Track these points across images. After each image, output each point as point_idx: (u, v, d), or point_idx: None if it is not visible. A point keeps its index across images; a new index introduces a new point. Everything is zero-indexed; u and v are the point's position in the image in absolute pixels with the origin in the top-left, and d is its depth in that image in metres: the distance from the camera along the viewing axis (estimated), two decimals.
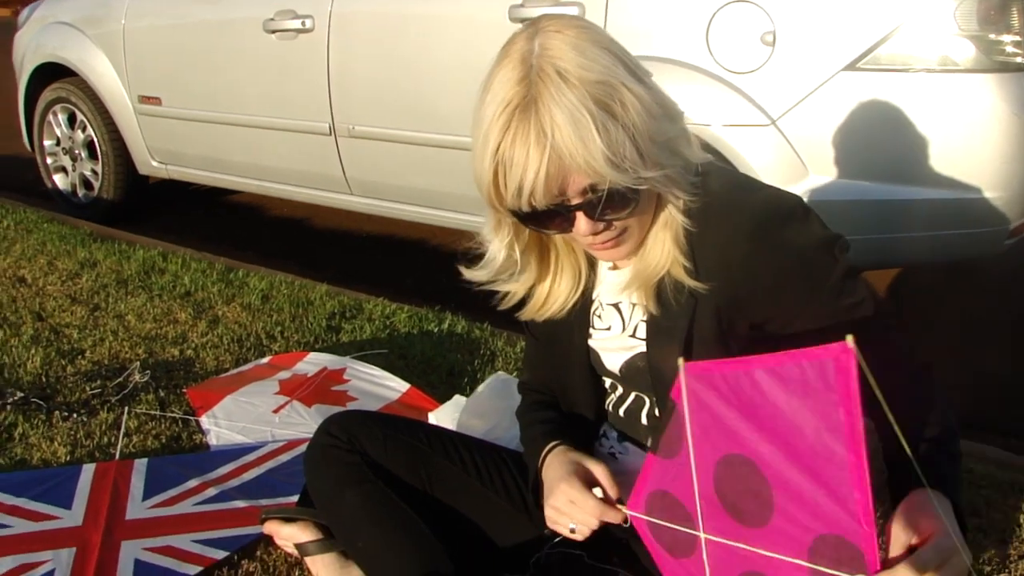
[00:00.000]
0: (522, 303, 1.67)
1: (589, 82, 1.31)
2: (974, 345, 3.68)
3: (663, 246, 1.47)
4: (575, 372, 1.71)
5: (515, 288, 1.65)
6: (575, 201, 1.37)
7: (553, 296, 1.65)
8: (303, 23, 4.03)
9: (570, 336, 1.68)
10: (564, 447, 1.65)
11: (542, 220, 1.42)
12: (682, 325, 1.49)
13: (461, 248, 1.65)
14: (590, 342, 1.67)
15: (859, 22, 2.83)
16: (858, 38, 2.83)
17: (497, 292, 1.66)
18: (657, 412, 1.60)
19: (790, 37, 2.91)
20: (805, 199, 2.92)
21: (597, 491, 1.54)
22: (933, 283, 4.29)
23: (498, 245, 1.57)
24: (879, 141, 2.90)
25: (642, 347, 1.56)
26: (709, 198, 1.45)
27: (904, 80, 2.81)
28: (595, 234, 1.42)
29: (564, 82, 1.31)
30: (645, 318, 1.55)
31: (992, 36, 2.76)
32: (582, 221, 1.40)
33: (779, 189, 1.50)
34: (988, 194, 2.85)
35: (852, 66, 2.84)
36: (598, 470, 1.56)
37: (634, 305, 1.58)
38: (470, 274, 1.63)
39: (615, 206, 1.38)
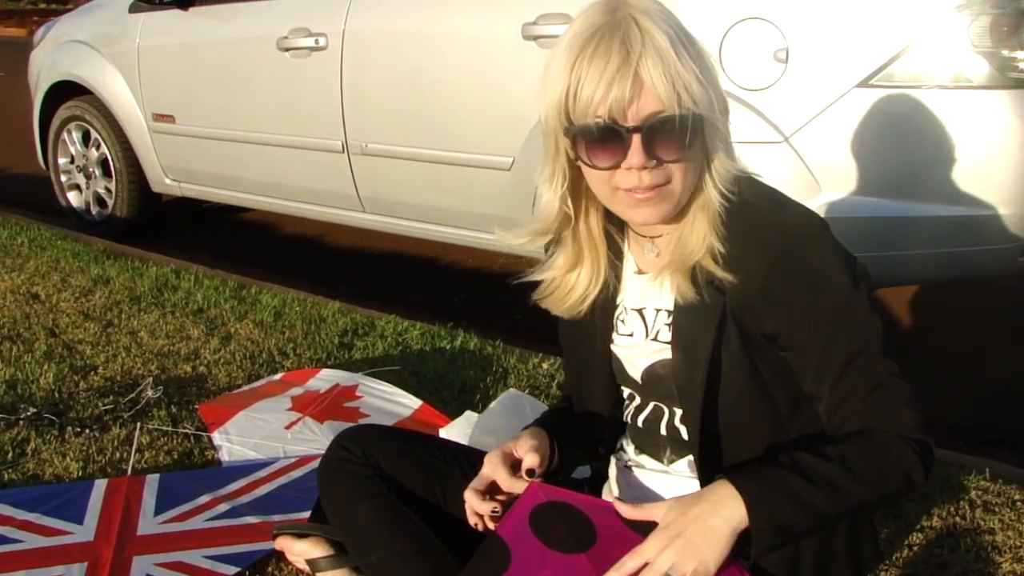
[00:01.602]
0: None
1: (675, 24, 1.40)
2: (988, 357, 3.66)
3: (701, 229, 1.47)
4: (596, 378, 1.71)
5: (549, 275, 1.65)
6: (642, 123, 1.38)
7: (576, 287, 1.64)
8: (316, 41, 4.04)
9: (592, 341, 1.68)
10: (529, 430, 1.67)
11: (597, 142, 1.42)
12: (708, 334, 1.49)
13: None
14: (612, 347, 1.67)
15: (872, 39, 2.83)
16: (871, 55, 2.83)
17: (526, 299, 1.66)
18: (678, 421, 1.60)
19: (803, 54, 2.91)
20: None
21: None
22: (946, 296, 4.28)
23: (551, 196, 1.56)
24: (892, 158, 2.89)
25: (665, 353, 1.56)
26: (740, 203, 1.46)
27: (917, 97, 2.81)
28: (643, 169, 1.41)
29: (654, 16, 1.39)
30: (669, 322, 1.55)
31: (1006, 53, 2.76)
32: (636, 151, 1.39)
33: (808, 209, 1.50)
34: (1002, 211, 2.84)
35: (865, 83, 2.83)
36: (523, 444, 1.61)
37: (658, 311, 1.58)
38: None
39: (672, 139, 1.39)
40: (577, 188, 1.56)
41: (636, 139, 1.39)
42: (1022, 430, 3.11)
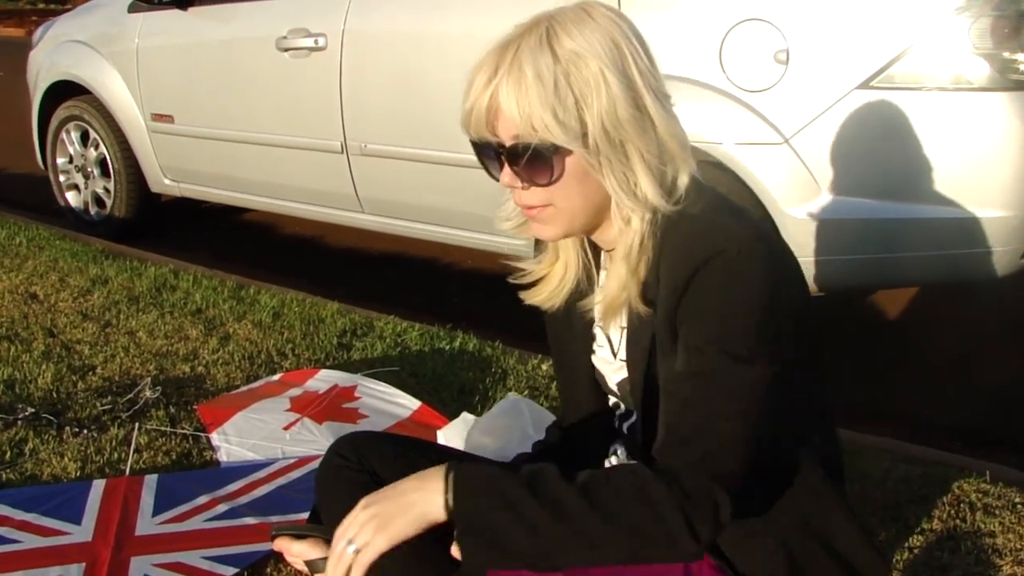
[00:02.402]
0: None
1: (565, 50, 1.35)
2: (987, 359, 3.66)
3: (621, 280, 1.44)
4: (583, 387, 1.71)
5: (531, 265, 1.65)
6: (506, 143, 1.39)
7: (551, 279, 1.63)
8: (316, 41, 4.04)
9: (576, 352, 1.68)
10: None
11: (480, 154, 1.46)
12: (645, 349, 1.47)
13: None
14: (592, 358, 1.66)
15: (873, 40, 2.83)
16: (872, 56, 2.83)
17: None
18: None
19: (804, 55, 2.91)
20: (818, 218, 2.92)
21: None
22: (945, 297, 4.27)
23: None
24: (892, 160, 2.89)
25: (625, 371, 1.55)
26: (679, 217, 1.41)
27: (918, 99, 2.81)
28: (515, 188, 1.43)
29: (544, 40, 1.36)
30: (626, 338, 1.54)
31: (1007, 55, 2.75)
32: (505, 171, 1.42)
33: (746, 230, 1.39)
34: (1003, 213, 2.83)
35: (866, 84, 2.83)
36: None
37: (623, 329, 1.56)
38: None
39: (533, 165, 1.39)
40: None
41: (504, 158, 1.41)
42: (1022, 432, 3.10)
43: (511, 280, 1.67)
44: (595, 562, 1.34)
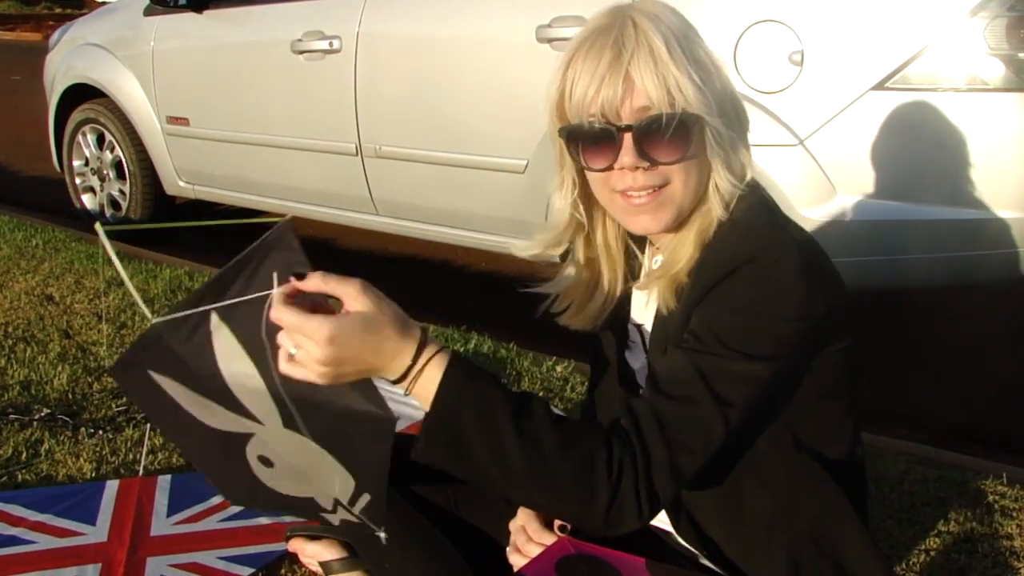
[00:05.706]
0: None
1: (678, 26, 1.38)
2: (1008, 360, 3.64)
3: (690, 245, 1.43)
4: (614, 384, 1.70)
5: (559, 289, 1.63)
6: (634, 121, 1.36)
7: (593, 302, 1.62)
8: (331, 44, 4.05)
9: (610, 348, 1.67)
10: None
11: (590, 142, 1.41)
12: (673, 334, 1.45)
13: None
14: (627, 355, 1.65)
15: (888, 41, 2.82)
16: (887, 57, 2.81)
17: (541, 304, 1.65)
18: None
19: (818, 56, 2.90)
20: (833, 219, 2.91)
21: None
22: (968, 296, 4.25)
23: (562, 204, 1.54)
24: (908, 161, 2.88)
25: None
26: (730, 219, 1.42)
27: (933, 99, 2.79)
28: (635, 170, 1.38)
29: (655, 18, 1.37)
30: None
31: (1022, 55, 2.74)
32: (627, 150, 1.37)
33: (787, 244, 1.39)
34: (1020, 214, 2.82)
35: (881, 85, 2.82)
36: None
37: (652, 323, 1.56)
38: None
39: (663, 139, 1.36)
40: (589, 196, 1.53)
41: (627, 138, 1.37)
42: None
43: (555, 317, 1.64)
44: (537, 507, 1.51)
